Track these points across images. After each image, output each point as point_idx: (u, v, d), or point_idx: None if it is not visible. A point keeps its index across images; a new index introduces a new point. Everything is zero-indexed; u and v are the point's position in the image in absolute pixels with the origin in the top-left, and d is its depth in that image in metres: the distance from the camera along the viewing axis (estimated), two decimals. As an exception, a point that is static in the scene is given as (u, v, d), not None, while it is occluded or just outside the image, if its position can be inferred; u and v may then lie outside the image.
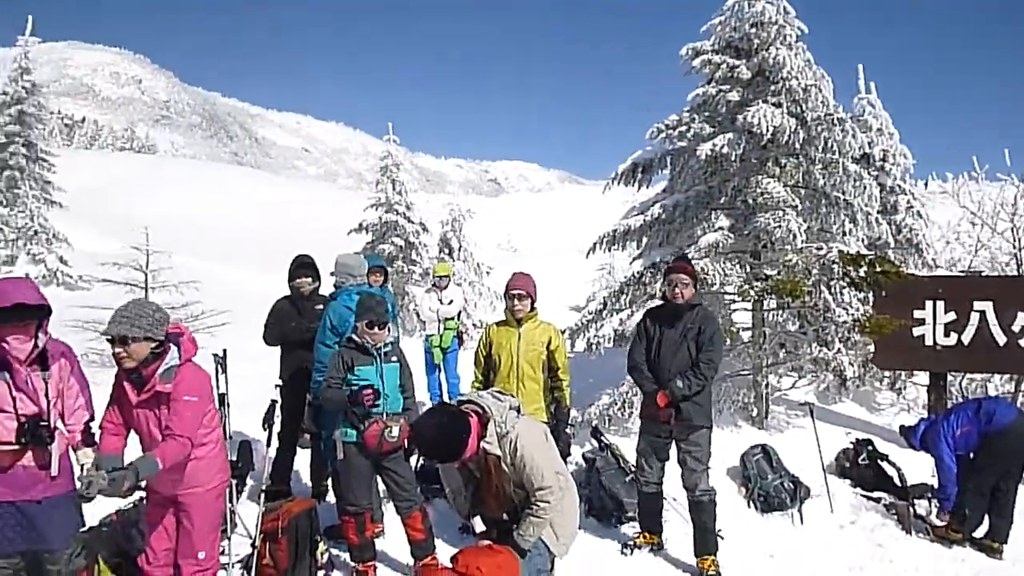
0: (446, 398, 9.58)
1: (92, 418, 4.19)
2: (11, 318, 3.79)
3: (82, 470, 4.08)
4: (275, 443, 6.22)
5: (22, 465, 3.88)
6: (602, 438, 7.16)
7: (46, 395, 3.95)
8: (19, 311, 3.80)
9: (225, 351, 5.97)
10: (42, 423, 3.88)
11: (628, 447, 6.90)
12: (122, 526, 5.00)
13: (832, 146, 8.22)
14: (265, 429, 5.78)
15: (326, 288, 6.59)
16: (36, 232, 22.58)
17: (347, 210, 34.79)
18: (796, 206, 8.14)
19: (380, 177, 19.16)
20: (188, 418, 3.89)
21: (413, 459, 5.56)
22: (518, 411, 3.92)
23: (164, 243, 13.82)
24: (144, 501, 4.47)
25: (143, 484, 3.96)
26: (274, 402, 5.94)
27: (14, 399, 3.86)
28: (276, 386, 6.41)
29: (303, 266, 6.62)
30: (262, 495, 5.67)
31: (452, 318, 9.64)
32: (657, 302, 6.45)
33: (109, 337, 3.89)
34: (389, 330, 5.22)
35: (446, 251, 18.35)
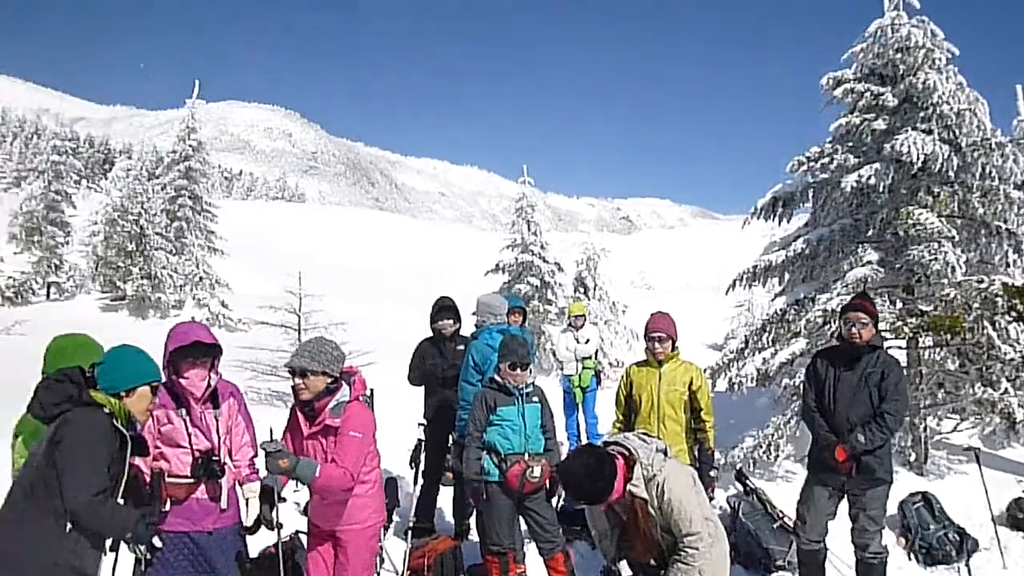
0: (584, 438, 9.51)
1: (256, 454, 4.42)
2: (189, 355, 4.11)
3: (247, 504, 4.30)
4: (420, 481, 6.36)
5: (195, 497, 4.14)
6: (747, 482, 6.90)
7: (217, 432, 4.23)
8: (196, 349, 4.11)
9: (372, 391, 6.16)
10: (214, 458, 4.13)
11: (774, 492, 6.61)
12: (282, 558, 5.22)
13: (991, 172, 7.72)
14: (412, 467, 5.92)
15: (466, 329, 6.72)
16: (201, 278, 24.25)
17: (482, 251, 35.50)
18: (953, 237, 7.65)
19: (515, 218, 19.46)
20: (352, 453, 4.01)
21: (554, 500, 5.54)
22: (665, 453, 3.84)
23: (315, 286, 14.53)
24: (300, 535, 4.65)
25: (294, 491, 4.16)
26: (420, 441, 6.07)
27: (190, 435, 4.14)
28: (420, 425, 6.56)
29: (444, 309, 6.78)
30: (409, 532, 5.78)
31: (589, 357, 9.60)
32: (828, 342, 6.11)
33: (290, 368, 4.10)
34: (531, 371, 5.27)
35: (581, 290, 18.36)
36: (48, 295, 26.84)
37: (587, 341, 9.63)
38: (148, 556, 3.70)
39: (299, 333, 13.08)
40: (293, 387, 4.09)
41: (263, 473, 4.09)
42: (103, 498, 3.22)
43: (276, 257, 35.70)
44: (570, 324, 9.85)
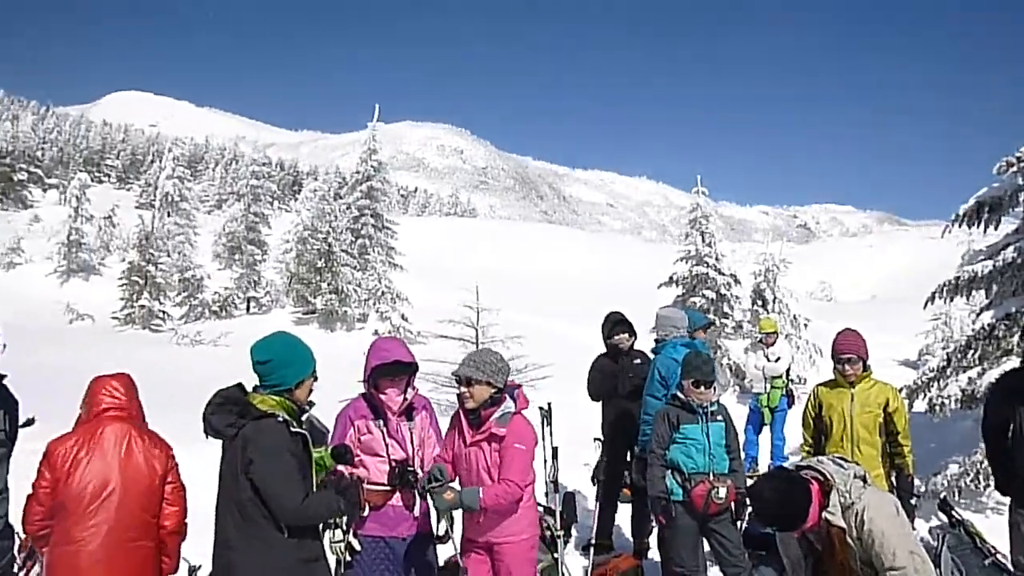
0: (764, 460, 9.21)
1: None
2: (389, 373, 4.37)
3: (438, 515, 4.50)
4: (601, 496, 6.38)
5: (391, 505, 4.39)
6: (952, 512, 6.41)
7: (411, 443, 4.47)
8: (396, 367, 4.37)
9: (550, 404, 6.26)
10: (409, 468, 4.37)
11: (984, 525, 6.13)
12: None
13: None
14: (594, 483, 5.95)
15: (640, 343, 6.71)
16: (383, 293, 25.48)
17: (652, 263, 35.12)
18: None
19: (689, 229, 19.13)
20: (519, 465, 4.09)
21: (739, 523, 5.41)
22: (864, 480, 3.66)
23: (491, 299, 14.90)
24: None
25: (454, 515, 4.30)
26: (603, 457, 6.10)
27: (387, 446, 4.40)
28: (595, 440, 6.58)
29: (619, 323, 6.79)
30: (590, 548, 5.81)
31: (779, 376, 9.23)
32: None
33: (457, 377, 4.28)
34: (715, 389, 5.19)
35: (759, 303, 17.76)
36: (248, 309, 29.16)
37: (777, 359, 9.26)
38: (347, 558, 3.94)
39: (477, 346, 13.47)
40: (459, 395, 4.26)
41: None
42: (308, 502, 3.45)
43: (451, 271, 36.95)
44: (760, 340, 9.51)
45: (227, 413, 3.52)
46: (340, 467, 4.02)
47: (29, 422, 3.75)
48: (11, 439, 3.77)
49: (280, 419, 3.51)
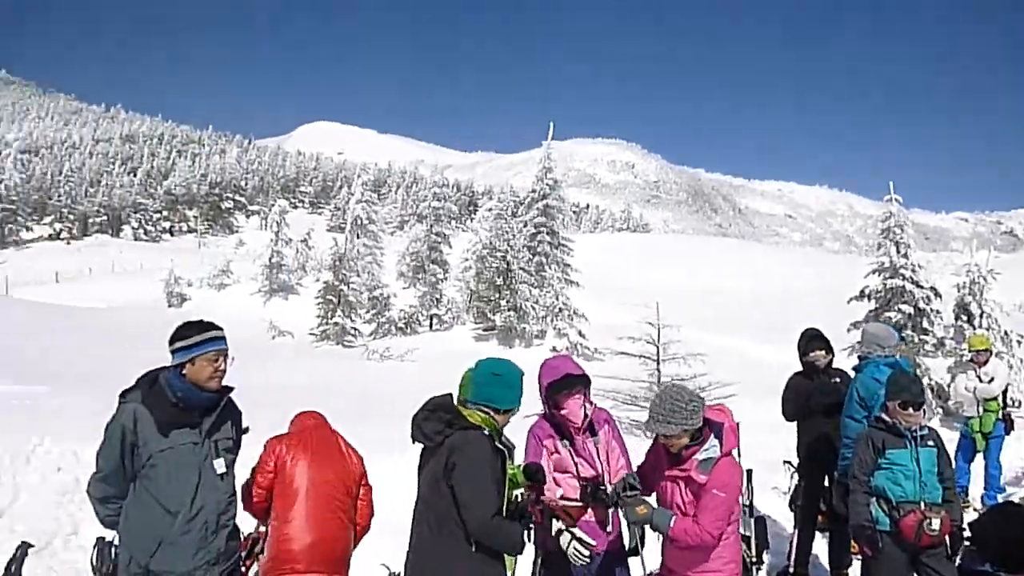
0: (976, 491, 8.51)
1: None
2: (563, 388, 4.43)
3: (629, 527, 4.50)
4: (798, 524, 6.17)
5: (584, 521, 4.40)
6: None
7: (599, 458, 4.51)
8: (568, 382, 4.43)
9: (738, 424, 6.12)
10: (601, 487, 4.40)
11: None
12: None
13: None
14: (792, 509, 5.76)
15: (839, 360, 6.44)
16: (560, 309, 25.78)
17: (837, 275, 33.34)
18: None
19: (881, 240, 18.04)
20: (713, 512, 3.88)
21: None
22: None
23: (670, 316, 14.75)
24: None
25: (639, 533, 4.24)
26: (800, 481, 5.89)
27: (576, 464, 4.46)
28: (785, 463, 6.33)
29: (815, 339, 6.51)
30: (788, 576, 5.63)
31: (994, 398, 8.46)
32: None
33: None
34: (924, 412, 4.90)
35: (964, 318, 16.46)
36: (431, 326, 30.40)
37: (991, 380, 8.48)
38: (578, 552, 4.00)
39: (658, 364, 13.40)
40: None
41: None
42: (498, 519, 3.52)
43: (627, 287, 36.80)
44: (971, 359, 8.76)
45: (437, 420, 3.66)
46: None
47: (244, 431, 4.19)
48: (237, 447, 4.17)
49: (486, 432, 3.64)
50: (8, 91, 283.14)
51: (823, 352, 6.39)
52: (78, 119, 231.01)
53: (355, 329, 29.94)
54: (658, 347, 13.50)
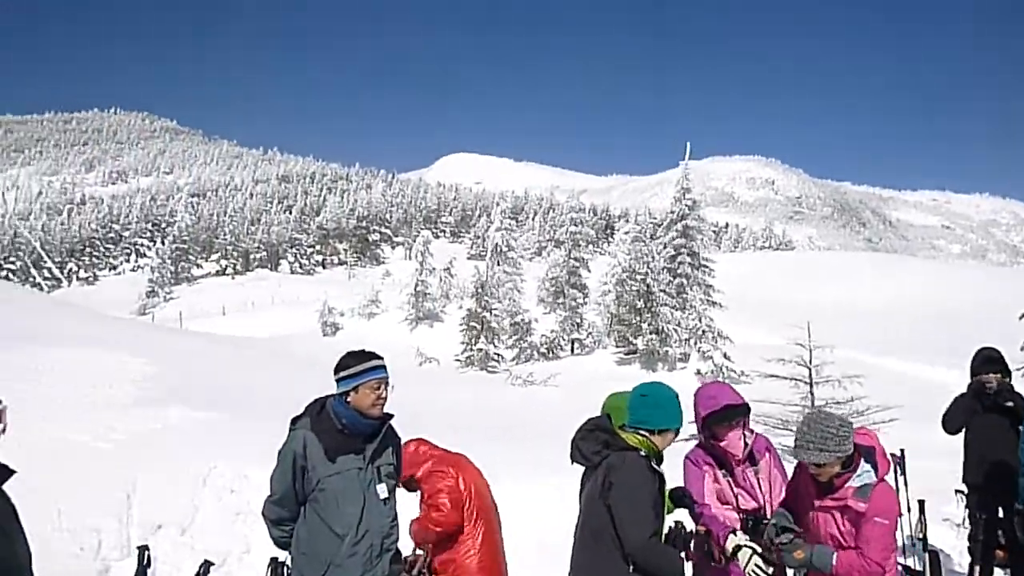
0: None
1: None
2: (722, 419, 4.25)
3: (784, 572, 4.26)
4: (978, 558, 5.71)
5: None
6: None
7: (760, 489, 4.29)
8: (728, 412, 4.25)
9: (903, 451, 5.76)
10: (763, 520, 4.19)
11: None
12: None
13: None
14: (970, 542, 5.34)
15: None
16: (704, 331, 25.17)
17: (1005, 289, 30.94)
18: None
19: (1057, 250, 16.60)
20: (883, 543, 3.68)
21: None
22: None
23: (821, 336, 14.08)
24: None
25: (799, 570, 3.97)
26: (976, 513, 5.47)
27: (736, 496, 4.26)
28: (956, 492, 5.92)
29: (991, 361, 6.03)
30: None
31: None
32: None
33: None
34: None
35: None
36: (572, 350, 30.39)
37: None
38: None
39: (810, 386, 12.80)
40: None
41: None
42: (656, 540, 3.43)
43: (772, 307, 35.51)
44: None
45: (594, 440, 3.64)
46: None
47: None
48: (398, 472, 4.26)
49: (643, 454, 3.58)
50: (178, 140, 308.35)
51: (998, 376, 5.92)
52: (239, 163, 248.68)
53: (498, 355, 30.32)
54: (810, 369, 12.90)
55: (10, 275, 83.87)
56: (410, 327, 38.01)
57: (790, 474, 4.31)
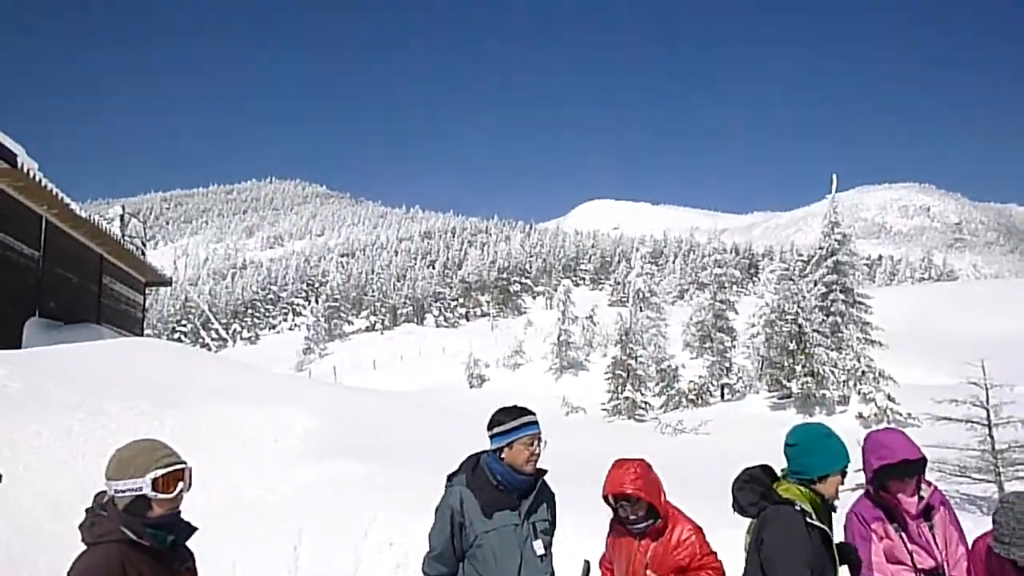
0: None
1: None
2: (896, 474, 3.95)
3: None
4: None
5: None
6: None
7: (937, 547, 3.96)
8: (906, 468, 3.95)
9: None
10: None
11: None
12: None
13: None
14: None
15: None
16: (863, 372, 23.88)
17: None
18: None
19: None
20: None
21: None
22: None
23: (998, 373, 13.03)
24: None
25: None
26: None
27: (911, 553, 3.96)
28: None
29: None
30: None
31: None
32: None
33: None
34: None
35: None
36: (722, 396, 29.53)
37: None
38: None
39: (989, 429, 11.80)
40: None
41: None
42: None
43: (937, 343, 33.21)
44: None
45: (751, 491, 3.55)
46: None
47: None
48: (553, 528, 4.23)
49: (798, 508, 3.43)
50: (328, 203, 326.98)
51: None
52: (384, 222, 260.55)
53: (645, 402, 29.88)
54: (988, 410, 11.93)
55: (182, 336, 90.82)
56: (555, 377, 38.13)
57: (965, 528, 4.01)
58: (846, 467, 3.64)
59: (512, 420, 3.76)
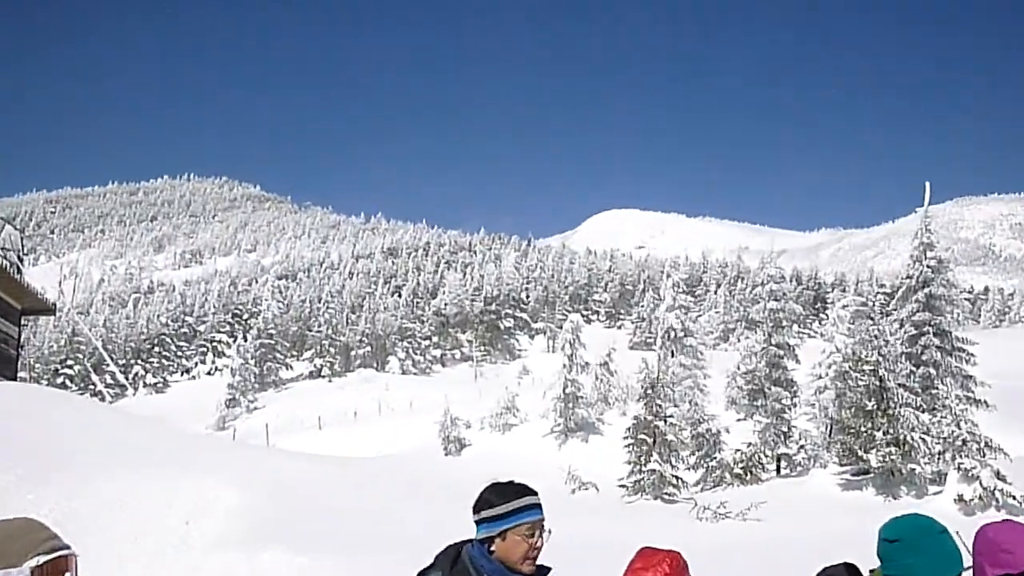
0: None
1: None
2: None
3: None
4: None
5: None
6: None
7: None
8: None
9: None
10: None
11: None
12: None
13: None
14: None
15: None
16: (964, 441, 23.90)
17: None
18: None
19: None
20: None
21: None
22: None
23: None
24: None
25: None
26: None
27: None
28: None
29: None
30: None
31: None
32: None
33: None
34: None
35: None
36: (778, 470, 29.48)
37: None
38: None
39: None
40: None
41: None
42: None
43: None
44: None
45: None
46: None
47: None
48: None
49: None
50: (262, 209, 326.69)
51: None
52: (336, 234, 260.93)
53: (677, 477, 29.80)
54: None
55: (68, 381, 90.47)
56: (558, 442, 38.02)
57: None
58: (961, 572, 3.64)
59: (507, 502, 3.72)
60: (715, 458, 30.74)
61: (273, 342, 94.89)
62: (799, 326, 67.52)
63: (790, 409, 30.92)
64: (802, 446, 29.82)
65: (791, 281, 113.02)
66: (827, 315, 41.59)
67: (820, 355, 31.75)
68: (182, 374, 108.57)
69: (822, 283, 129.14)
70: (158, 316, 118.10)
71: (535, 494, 3.79)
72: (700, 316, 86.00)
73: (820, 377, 30.98)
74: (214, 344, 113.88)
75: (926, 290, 26.75)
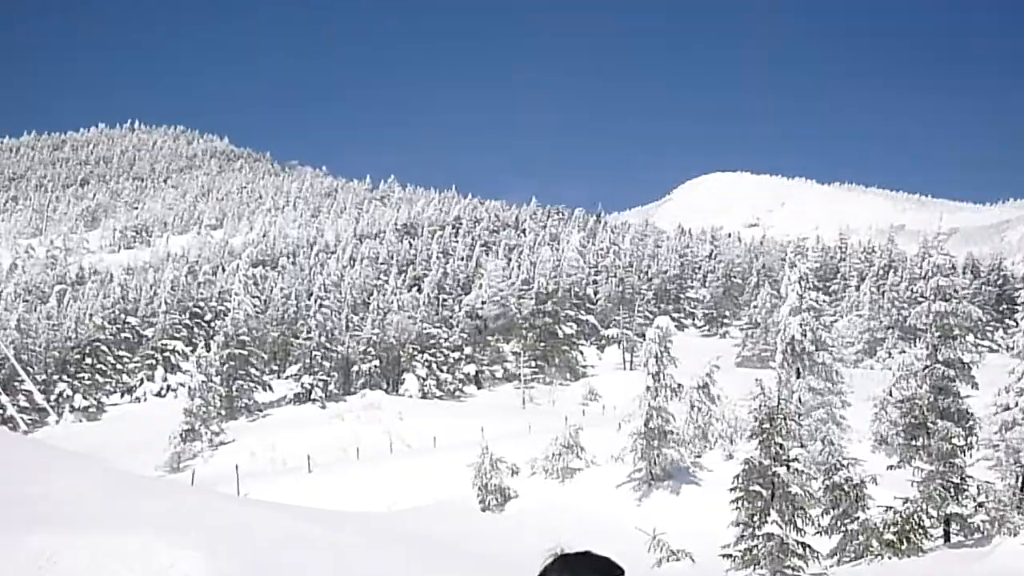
0: None
1: None
2: None
3: None
4: None
5: None
6: None
7: None
8: None
9: None
10: None
11: None
12: None
13: None
14: None
15: None
16: None
17: None
18: None
19: None
20: None
21: None
22: None
23: None
24: None
25: None
26: None
27: None
28: None
29: None
30: None
31: None
32: None
33: None
34: None
35: None
36: (947, 536, 29.18)
37: None
38: None
39: None
40: None
41: None
42: None
43: None
44: None
45: None
46: None
47: None
48: None
49: None
50: (231, 170, 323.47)
51: None
52: (332, 205, 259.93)
53: (804, 545, 29.58)
54: None
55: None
56: (638, 494, 38.01)
57: None
58: None
59: (580, 582, 3.69)
60: (857, 519, 30.53)
61: (246, 353, 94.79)
62: (977, 336, 66.78)
63: (964, 452, 30.59)
64: (981, 504, 29.53)
65: (966, 273, 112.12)
66: (1016, 321, 40.93)
67: (1007, 376, 31.41)
68: (122, 395, 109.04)
69: (1009, 276, 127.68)
70: (90, 316, 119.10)
71: (621, 571, 3.73)
72: (836, 321, 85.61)
73: (1008, 408, 30.65)
74: (166, 354, 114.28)
75: None
